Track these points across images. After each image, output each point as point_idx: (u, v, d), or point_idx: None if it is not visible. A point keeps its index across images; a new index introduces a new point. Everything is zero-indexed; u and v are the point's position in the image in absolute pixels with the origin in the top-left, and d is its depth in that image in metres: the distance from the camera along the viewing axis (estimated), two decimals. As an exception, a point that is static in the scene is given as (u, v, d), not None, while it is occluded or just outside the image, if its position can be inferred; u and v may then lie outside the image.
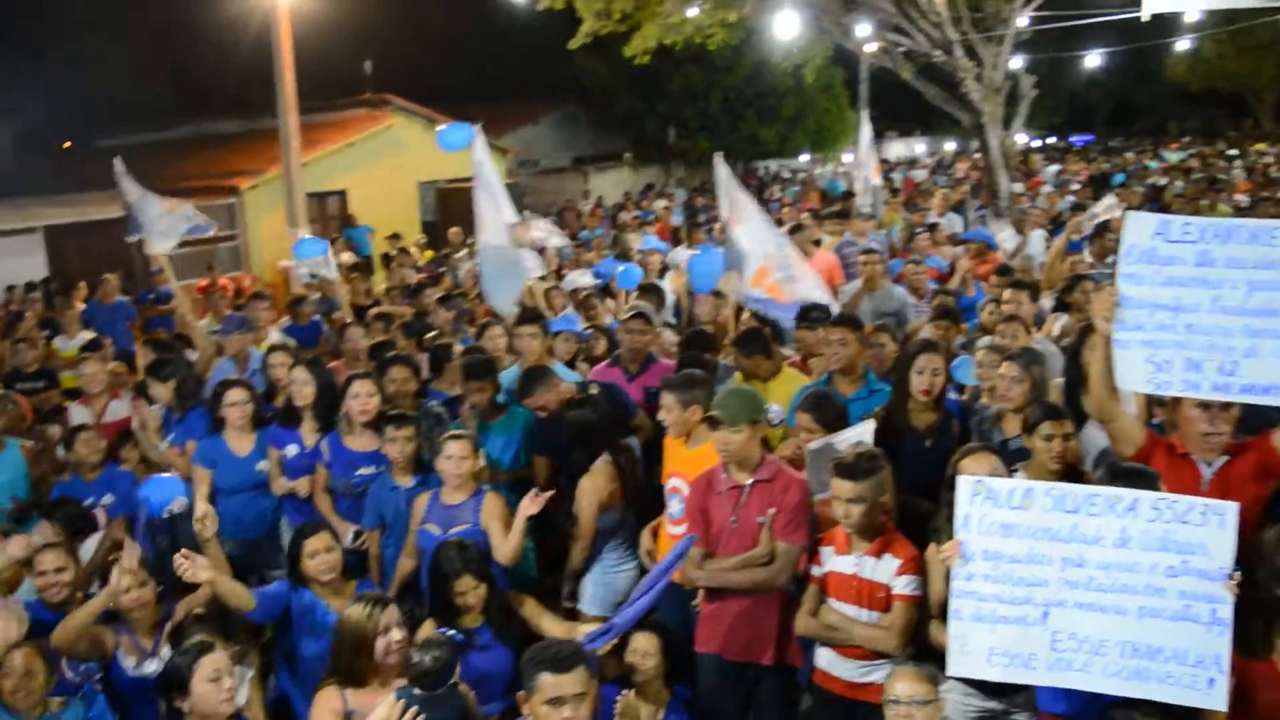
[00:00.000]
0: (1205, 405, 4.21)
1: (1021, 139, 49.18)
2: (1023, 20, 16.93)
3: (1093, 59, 33.54)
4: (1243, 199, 17.32)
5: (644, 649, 4.57)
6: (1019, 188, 17.89)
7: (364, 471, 5.94)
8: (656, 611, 5.08)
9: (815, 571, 4.55)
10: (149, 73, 29.95)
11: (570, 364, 7.57)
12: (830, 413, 5.39)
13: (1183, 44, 37.90)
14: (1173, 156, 31.57)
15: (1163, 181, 21.41)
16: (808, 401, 5.48)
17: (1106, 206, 11.33)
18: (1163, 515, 3.60)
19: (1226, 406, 4.19)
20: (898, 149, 46.68)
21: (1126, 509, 3.64)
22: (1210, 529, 3.54)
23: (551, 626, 4.80)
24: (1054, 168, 28.88)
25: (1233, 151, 31.53)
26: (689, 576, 4.84)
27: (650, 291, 9.15)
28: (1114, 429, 4.42)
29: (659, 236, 14.66)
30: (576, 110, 34.63)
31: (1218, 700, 3.45)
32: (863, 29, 15.62)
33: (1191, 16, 19.70)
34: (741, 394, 4.93)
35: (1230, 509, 3.55)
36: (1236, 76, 47.58)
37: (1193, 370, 4.03)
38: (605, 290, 9.88)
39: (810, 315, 7.18)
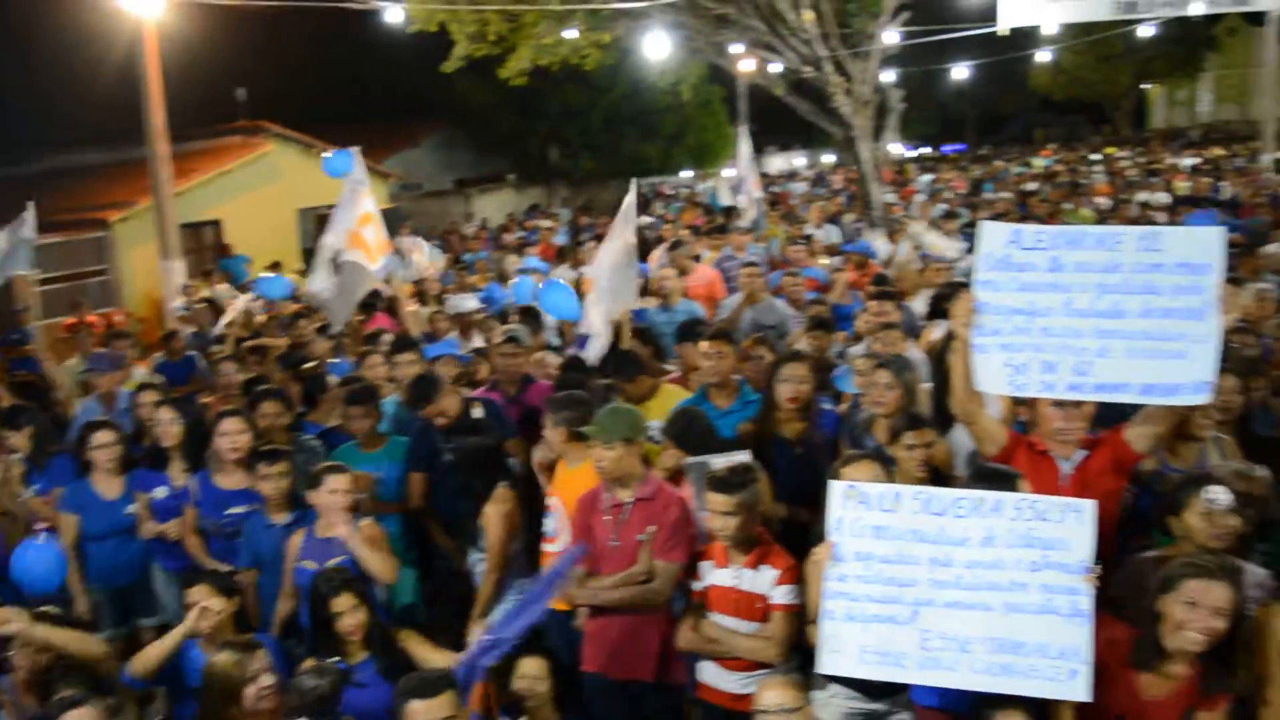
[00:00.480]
0: (1061, 403, 4.36)
1: (898, 150, 50.72)
2: (890, 36, 17.44)
3: (960, 71, 34.53)
4: (1104, 201, 18.03)
5: (533, 673, 4.54)
6: (891, 197, 18.38)
7: (235, 510, 5.78)
8: (544, 635, 5.08)
9: (695, 586, 4.58)
10: (6, 104, 28.80)
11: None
12: (692, 434, 5.39)
13: (1043, 56, 39.43)
14: (1039, 163, 32.75)
15: (1031, 187, 22.23)
16: (670, 426, 5.49)
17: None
18: (1024, 514, 3.70)
19: (1080, 404, 4.34)
20: (778, 163, 47.49)
21: (991, 510, 3.74)
22: (1069, 525, 3.65)
23: (434, 658, 4.72)
24: (928, 177, 29.68)
25: (1095, 156, 32.83)
26: (571, 596, 4.82)
27: (527, 314, 9.12)
28: (977, 430, 4.55)
29: (541, 257, 14.63)
30: (458, 132, 34.41)
31: (1080, 690, 3.55)
32: (736, 47, 15.87)
33: (1050, 29, 20.46)
34: (618, 412, 4.94)
35: (1088, 506, 3.66)
36: (1095, 85, 49.87)
37: (1048, 371, 4.17)
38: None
39: (691, 330, 7.24)
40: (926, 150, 55.65)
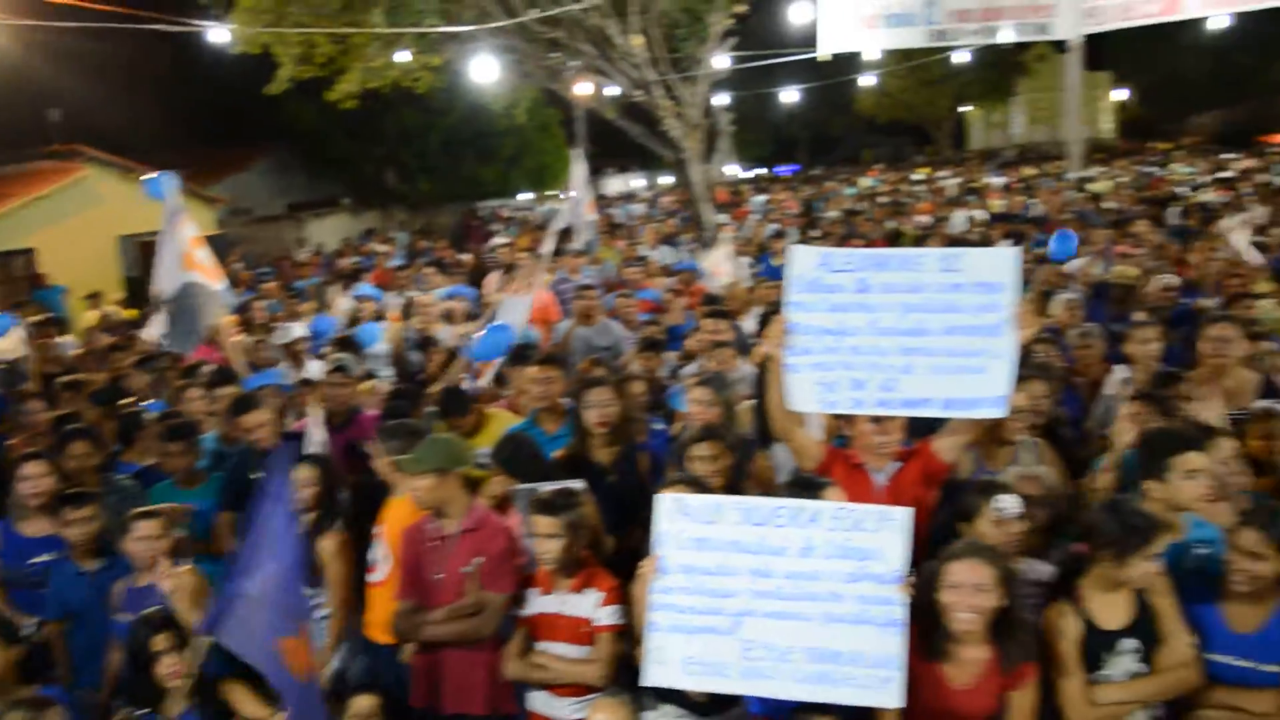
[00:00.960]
0: (875, 419, 4.51)
1: (734, 171, 51.79)
2: (720, 61, 17.83)
3: (790, 95, 35.55)
4: (925, 219, 18.81)
5: (364, 711, 4.43)
6: (724, 218, 18.77)
7: (40, 559, 5.47)
8: (377, 673, 4.98)
9: (521, 614, 4.55)
10: None
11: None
12: (519, 460, 5.36)
13: (868, 80, 40.93)
14: (866, 182, 33.98)
15: (859, 207, 23.03)
16: (497, 452, 5.46)
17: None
18: (842, 524, 3.80)
19: (892, 418, 4.50)
20: (616, 185, 47.90)
21: (809, 520, 3.83)
22: (884, 535, 3.76)
23: (256, 711, 4.55)
24: (761, 198, 30.41)
25: (917, 176, 34.24)
26: (398, 631, 4.73)
27: (345, 344, 8.94)
28: (794, 446, 4.68)
29: (376, 283, 14.33)
30: (290, 156, 33.49)
31: (893, 698, 3.67)
32: (570, 70, 15.94)
33: (872, 55, 21.24)
34: (434, 442, 4.88)
35: (903, 514, 3.77)
36: (916, 108, 52.15)
37: (858, 389, 4.31)
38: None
39: (520, 354, 7.22)
40: (762, 171, 57.12)
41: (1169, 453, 4.16)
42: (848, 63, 32.95)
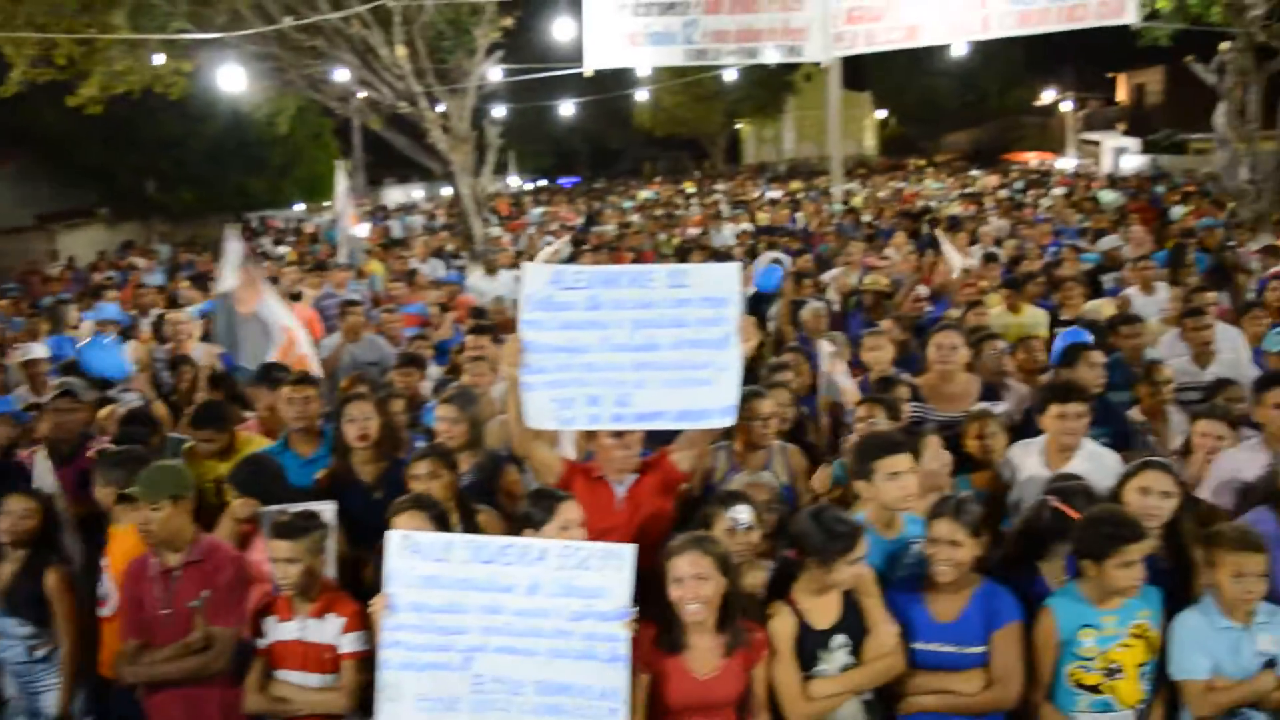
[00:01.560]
0: (613, 433, 4.59)
1: (515, 183, 51.76)
2: (494, 74, 17.78)
3: (567, 108, 35.82)
4: (694, 231, 19.36)
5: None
6: (496, 231, 18.74)
7: None
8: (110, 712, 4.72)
9: (259, 644, 4.40)
10: None
11: (9, 449, 6.82)
12: (260, 482, 5.17)
13: (643, 95, 41.75)
14: (644, 195, 34.64)
15: (634, 219, 23.46)
16: (235, 474, 5.25)
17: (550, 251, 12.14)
18: (568, 562, 3.84)
19: (630, 432, 4.59)
20: (396, 195, 47.07)
21: (536, 558, 3.86)
22: (609, 572, 3.81)
23: None
24: (539, 210, 30.52)
25: (690, 190, 35.19)
26: (124, 672, 4.49)
27: (70, 369, 8.43)
28: (535, 463, 4.71)
29: (125, 300, 13.53)
30: (33, 163, 31.20)
31: None
32: (341, 78, 15.51)
33: (645, 70, 21.63)
34: (163, 470, 4.66)
35: (627, 552, 3.83)
36: (691, 123, 53.64)
37: (593, 404, 4.38)
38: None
39: (268, 374, 6.99)
40: (543, 183, 57.36)
41: (873, 456, 4.42)
42: (624, 77, 33.53)
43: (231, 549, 4.70)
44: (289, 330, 7.93)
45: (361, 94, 15.15)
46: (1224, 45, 13.78)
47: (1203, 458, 5.39)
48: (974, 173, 38.95)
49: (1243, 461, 5.12)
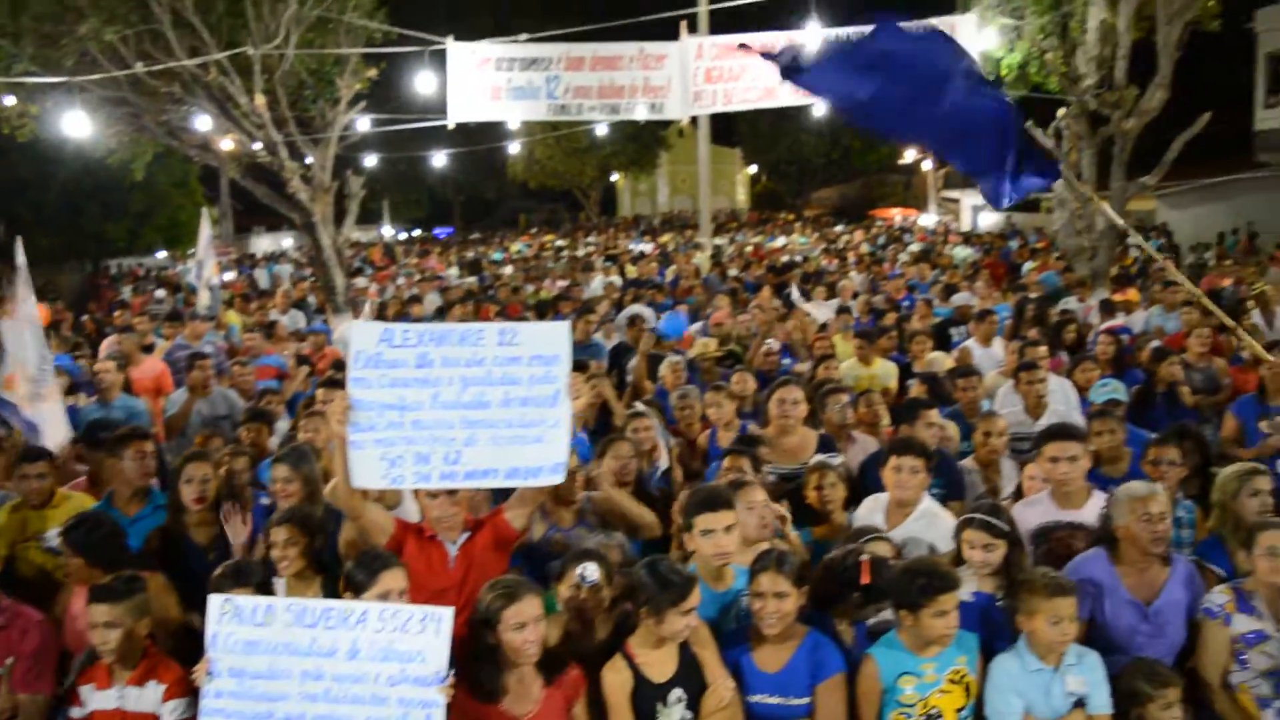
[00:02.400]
0: (435, 493, 4.56)
1: (389, 232, 51.26)
2: (364, 123, 17.63)
3: (439, 159, 35.80)
4: (564, 283, 19.42)
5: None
6: (363, 281, 18.57)
7: None
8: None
9: (75, 714, 4.21)
10: None
11: None
12: (94, 542, 4.97)
13: (514, 147, 41.94)
14: (516, 247, 34.73)
15: (507, 270, 23.44)
16: (69, 534, 5.04)
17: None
18: (388, 625, 3.81)
19: (454, 490, 4.56)
20: (264, 243, 46.18)
21: (357, 621, 3.82)
22: (428, 636, 3.79)
23: None
24: (413, 260, 30.31)
25: (561, 243, 35.41)
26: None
27: None
28: (363, 524, 4.63)
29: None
30: None
31: None
32: (203, 125, 15.15)
33: (515, 124, 21.77)
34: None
35: (446, 615, 3.81)
36: (565, 176, 54.07)
37: (422, 463, 4.35)
38: None
39: (93, 433, 6.74)
40: (418, 233, 57.07)
41: (693, 512, 4.49)
42: (495, 129, 33.65)
43: (35, 614, 4.49)
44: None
45: (224, 142, 14.85)
46: (1061, 112, 14.55)
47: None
48: (839, 228, 40.09)
49: (1029, 514, 5.32)
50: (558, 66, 12.62)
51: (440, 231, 58.02)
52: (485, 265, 26.23)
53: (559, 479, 4.42)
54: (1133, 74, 13.97)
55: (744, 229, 45.92)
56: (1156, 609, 4.53)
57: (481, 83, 12.62)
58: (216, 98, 13.47)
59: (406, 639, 3.77)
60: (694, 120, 27.63)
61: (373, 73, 14.74)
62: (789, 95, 13.14)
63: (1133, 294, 13.12)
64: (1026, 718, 4.13)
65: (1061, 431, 5.37)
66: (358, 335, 4.43)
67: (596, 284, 18.95)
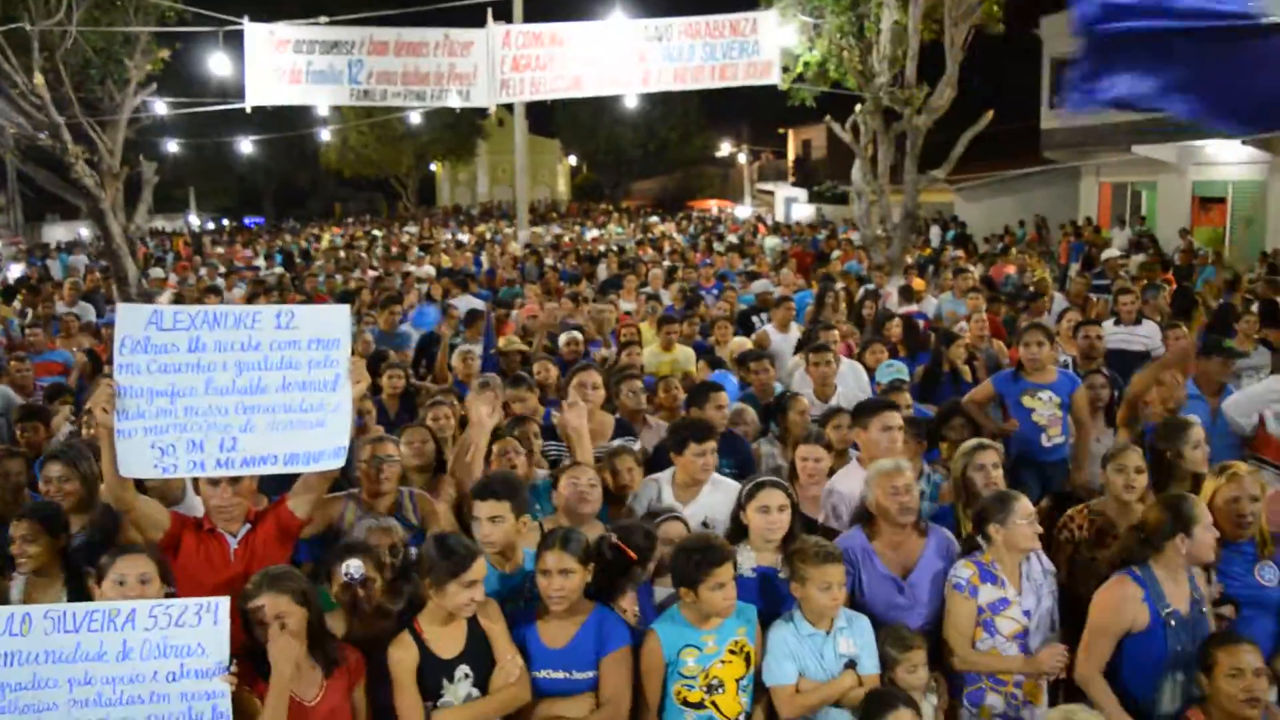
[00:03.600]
0: (215, 481, 4.42)
1: (195, 221, 49.13)
2: (160, 106, 16.81)
3: (246, 146, 34.45)
4: (374, 273, 19.06)
5: None
6: (159, 272, 17.72)
7: None
8: None
9: None
10: None
11: None
12: None
13: (325, 134, 40.82)
14: (327, 237, 33.80)
15: (318, 262, 22.79)
16: None
17: None
18: (159, 622, 3.69)
19: (235, 480, 4.43)
20: (59, 232, 43.50)
21: (125, 621, 3.68)
22: (205, 628, 3.71)
23: None
24: (220, 250, 29.13)
25: (376, 233, 34.70)
26: None
27: None
28: (135, 517, 4.42)
29: None
30: None
31: None
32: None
33: (323, 110, 21.19)
34: None
35: (222, 604, 3.74)
36: (380, 164, 52.90)
37: (196, 450, 4.21)
38: None
39: None
40: (226, 223, 54.89)
41: (473, 497, 4.58)
42: (306, 115, 32.66)
43: None
44: None
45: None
46: (858, 108, 15.16)
47: (805, 478, 5.87)
48: (654, 219, 40.64)
49: (844, 482, 5.58)
50: (360, 51, 12.35)
51: (251, 221, 55.95)
52: (295, 255, 25.46)
53: (339, 464, 4.35)
54: (923, 73, 14.67)
55: (564, 219, 45.99)
56: (913, 581, 4.74)
57: (280, 65, 12.23)
58: (-7, 74, 12.61)
59: (182, 633, 3.68)
60: (510, 108, 27.55)
61: (165, 54, 14.08)
62: (597, 85, 13.30)
63: (919, 282, 13.75)
64: (801, 680, 4.30)
65: (885, 404, 5.82)
66: (123, 318, 4.23)
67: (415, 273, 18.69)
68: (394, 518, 5.12)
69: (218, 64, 14.02)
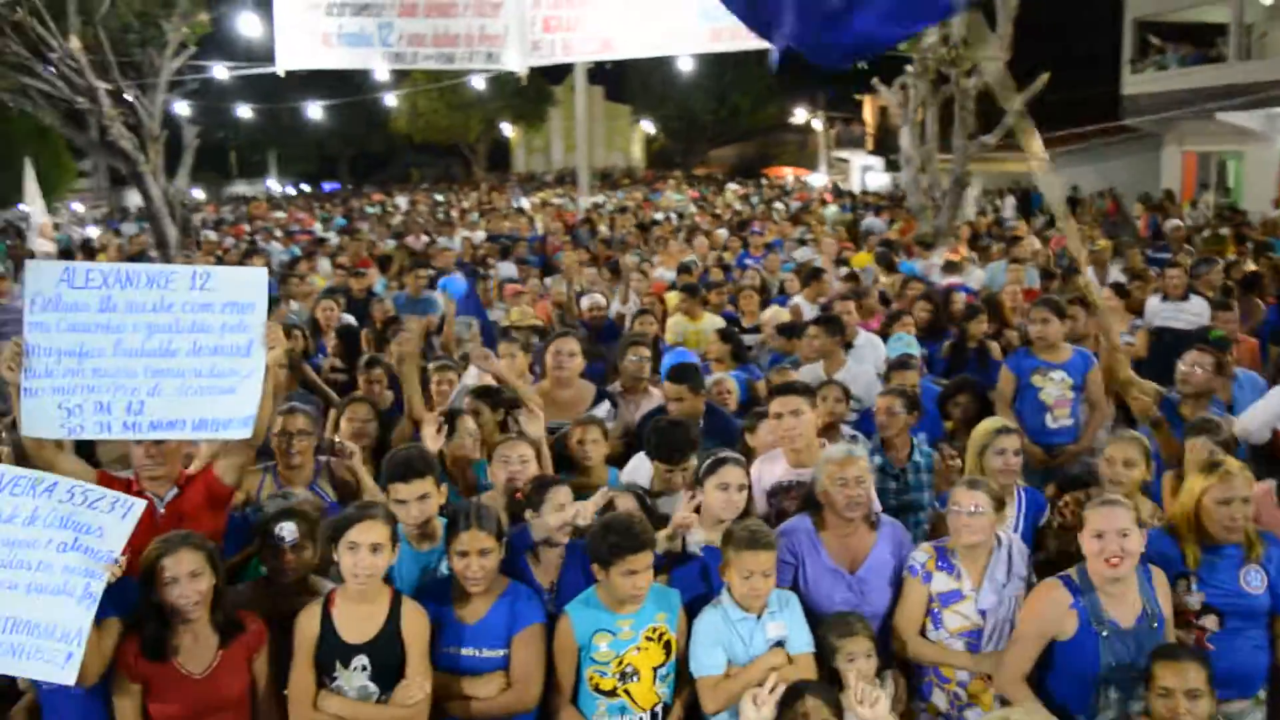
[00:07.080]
0: (142, 443, 4.33)
1: (275, 187, 49.84)
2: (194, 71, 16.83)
3: (315, 111, 34.74)
4: (425, 239, 19.06)
5: None
6: (213, 235, 17.87)
7: None
8: None
9: None
10: None
11: None
12: None
13: (392, 99, 40.94)
14: (402, 202, 34.11)
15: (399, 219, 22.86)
16: None
17: None
18: (75, 499, 3.72)
19: (164, 444, 4.34)
20: (139, 198, 44.45)
21: (44, 490, 3.71)
22: (113, 517, 3.71)
23: None
24: (279, 215, 29.50)
25: (439, 197, 34.85)
26: None
27: None
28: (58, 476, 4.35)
29: None
30: None
31: (70, 675, 3.54)
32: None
33: (385, 75, 21.12)
34: None
35: (138, 505, 3.76)
36: (449, 130, 52.95)
37: (103, 412, 4.12)
38: None
39: None
40: (306, 188, 55.72)
41: (386, 479, 4.42)
42: (371, 79, 32.79)
43: None
44: None
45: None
46: (907, 69, 14.65)
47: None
48: (733, 186, 40.19)
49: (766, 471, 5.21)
50: (390, 12, 12.21)
51: (327, 187, 56.66)
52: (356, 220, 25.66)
53: (247, 433, 4.24)
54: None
55: (635, 185, 45.74)
56: (860, 576, 4.44)
57: (311, 28, 12.17)
58: (29, 42, 12.74)
59: (90, 514, 3.70)
60: (571, 71, 27.24)
61: (205, 18, 14.13)
62: (627, 48, 13.01)
63: (960, 252, 13.23)
64: (729, 668, 4.08)
65: (786, 387, 5.31)
66: (33, 275, 4.14)
67: (457, 240, 18.65)
68: (311, 489, 5.01)
69: (247, 25, 14.03)
